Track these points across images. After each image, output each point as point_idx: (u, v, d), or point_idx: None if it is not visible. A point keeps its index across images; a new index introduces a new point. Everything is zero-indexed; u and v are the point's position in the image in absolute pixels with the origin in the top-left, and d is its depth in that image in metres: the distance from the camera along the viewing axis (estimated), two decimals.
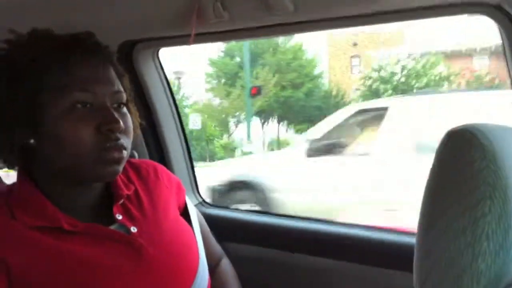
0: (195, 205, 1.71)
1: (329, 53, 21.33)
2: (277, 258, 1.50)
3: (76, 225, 0.96)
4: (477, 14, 1.11)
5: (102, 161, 0.96)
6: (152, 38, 1.55)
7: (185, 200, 1.25)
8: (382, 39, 18.35)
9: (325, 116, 7.69)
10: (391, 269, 1.28)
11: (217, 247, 1.33)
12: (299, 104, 18.90)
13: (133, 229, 1.02)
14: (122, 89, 1.03)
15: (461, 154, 0.65)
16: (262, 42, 18.88)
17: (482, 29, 12.85)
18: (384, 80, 15.89)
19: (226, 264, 1.31)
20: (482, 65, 15.96)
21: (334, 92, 19.54)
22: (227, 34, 1.40)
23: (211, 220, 1.36)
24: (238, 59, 19.50)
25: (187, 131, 1.76)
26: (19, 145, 0.98)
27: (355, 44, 20.45)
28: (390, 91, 15.34)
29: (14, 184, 1.03)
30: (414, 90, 14.53)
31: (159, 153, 1.65)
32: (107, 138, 0.96)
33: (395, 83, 15.79)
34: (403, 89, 15.18)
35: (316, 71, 20.32)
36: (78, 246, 0.94)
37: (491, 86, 14.43)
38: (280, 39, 19.02)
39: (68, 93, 0.94)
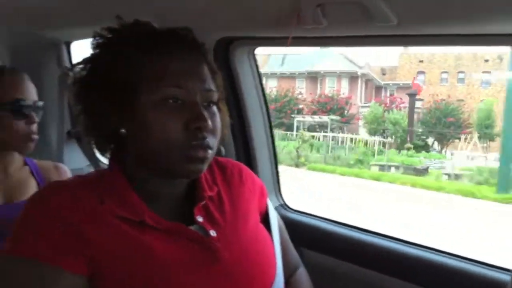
0: (276, 207, 1.72)
1: None
2: (356, 274, 1.46)
3: (159, 222, 0.98)
4: None
5: (186, 158, 0.96)
6: (250, 37, 1.55)
7: (266, 205, 1.24)
8: None
9: None
10: None
11: (294, 255, 1.30)
12: None
13: (212, 232, 1.02)
14: (214, 87, 1.03)
15: None
16: None
17: None
18: None
19: (302, 274, 1.28)
20: None
21: None
22: (325, 40, 1.37)
23: (291, 224, 1.35)
24: None
25: None
26: (112, 132, 1.00)
27: None
28: None
29: (105, 170, 1.06)
30: None
31: (246, 152, 1.65)
32: (194, 136, 0.96)
33: None
34: None
35: None
36: (157, 242, 0.95)
37: None
38: None
39: (162, 86, 0.96)
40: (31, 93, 1.61)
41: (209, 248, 0.99)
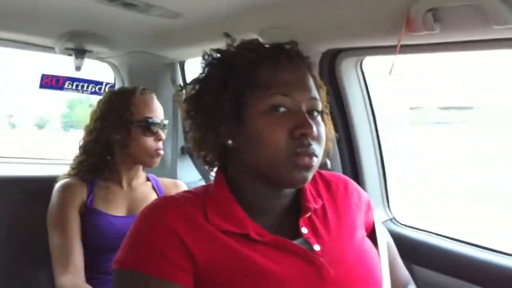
0: (385, 222, 1.65)
1: None
2: None
3: (263, 235, 0.98)
4: None
5: (292, 165, 0.97)
6: (356, 47, 1.53)
7: (373, 220, 1.20)
8: None
9: None
10: None
11: (404, 272, 1.24)
12: None
13: (317, 247, 1.01)
14: (318, 97, 1.04)
15: None
16: None
17: None
18: None
19: None
20: None
21: None
22: (437, 46, 1.30)
23: (400, 240, 1.30)
24: None
25: None
26: (219, 145, 1.04)
27: None
28: None
29: (210, 184, 1.09)
30: None
31: (353, 165, 1.62)
32: (300, 143, 0.96)
33: None
34: None
35: None
36: (261, 256, 0.96)
37: None
38: None
39: (270, 96, 0.98)
40: (159, 112, 1.75)
41: (313, 263, 0.97)
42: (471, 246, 1.47)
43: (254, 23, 1.63)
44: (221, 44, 1.09)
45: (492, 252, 1.42)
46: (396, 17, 1.23)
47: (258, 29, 1.61)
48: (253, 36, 1.21)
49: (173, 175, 2.37)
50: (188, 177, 2.49)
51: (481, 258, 1.41)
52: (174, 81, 2.45)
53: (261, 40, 1.09)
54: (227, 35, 1.09)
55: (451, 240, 1.52)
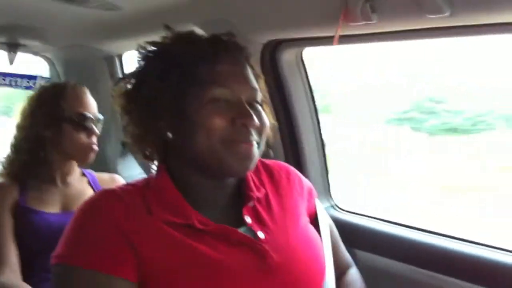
0: (327, 208, 1.69)
1: None
2: (411, 274, 1.42)
3: (207, 225, 0.98)
4: None
5: (232, 154, 0.97)
6: (297, 38, 1.54)
7: (316, 207, 1.22)
8: None
9: None
10: None
11: (345, 256, 1.28)
12: None
13: (260, 234, 1.02)
14: (257, 87, 1.05)
15: None
16: None
17: None
18: None
19: (354, 274, 1.26)
20: None
21: None
22: (375, 36, 1.34)
23: (342, 225, 1.32)
24: None
25: None
26: (159, 138, 1.03)
27: None
28: None
29: (150, 176, 1.08)
30: None
31: (295, 154, 1.64)
32: (240, 131, 0.98)
33: None
34: None
35: None
36: (206, 245, 0.96)
37: None
38: None
39: (209, 88, 0.98)
40: (92, 106, 1.70)
41: (257, 250, 0.98)
42: (408, 229, 1.53)
43: (194, 15, 1.62)
44: (161, 36, 1.07)
45: (428, 234, 1.48)
46: (334, 8, 1.25)
47: (199, 21, 1.60)
48: (193, 28, 1.20)
49: (115, 170, 2.32)
50: (130, 171, 2.44)
51: (418, 239, 1.47)
52: (112, 75, 2.39)
53: (202, 32, 1.08)
54: (167, 27, 1.08)
55: (390, 224, 1.57)
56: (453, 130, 4.94)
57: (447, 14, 1.08)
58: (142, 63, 1.07)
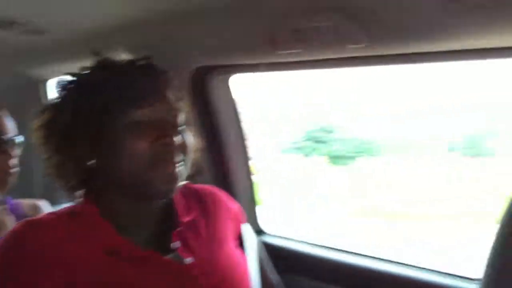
0: (254, 232, 1.70)
1: None
2: None
3: (134, 251, 0.97)
4: None
5: (157, 175, 0.97)
6: (227, 65, 1.57)
7: (243, 230, 1.23)
8: None
9: None
10: None
11: (272, 278, 1.29)
12: None
13: (188, 260, 1.02)
14: (180, 109, 1.05)
15: None
16: None
17: None
18: None
19: None
20: None
21: None
22: (300, 64, 1.39)
23: (270, 250, 1.34)
24: None
25: None
26: (81, 167, 1.01)
27: None
28: None
29: (75, 206, 1.06)
30: None
31: (224, 178, 1.65)
32: (162, 151, 0.97)
33: None
34: None
35: None
36: (132, 272, 0.95)
37: None
38: None
39: (127, 111, 0.98)
40: (8, 128, 1.60)
41: (185, 276, 0.98)
42: (338, 251, 1.57)
43: (123, 41, 1.60)
44: (89, 62, 1.07)
45: (352, 255, 1.53)
46: (262, 36, 1.29)
47: (128, 47, 1.59)
48: (122, 54, 1.20)
49: (43, 197, 2.23)
50: (59, 198, 2.36)
51: (341, 260, 1.51)
52: (39, 100, 2.33)
53: (131, 57, 1.08)
54: (95, 52, 1.08)
55: (318, 247, 1.60)
56: (340, 157, 5.53)
57: (363, 44, 1.15)
58: (61, 93, 1.05)
